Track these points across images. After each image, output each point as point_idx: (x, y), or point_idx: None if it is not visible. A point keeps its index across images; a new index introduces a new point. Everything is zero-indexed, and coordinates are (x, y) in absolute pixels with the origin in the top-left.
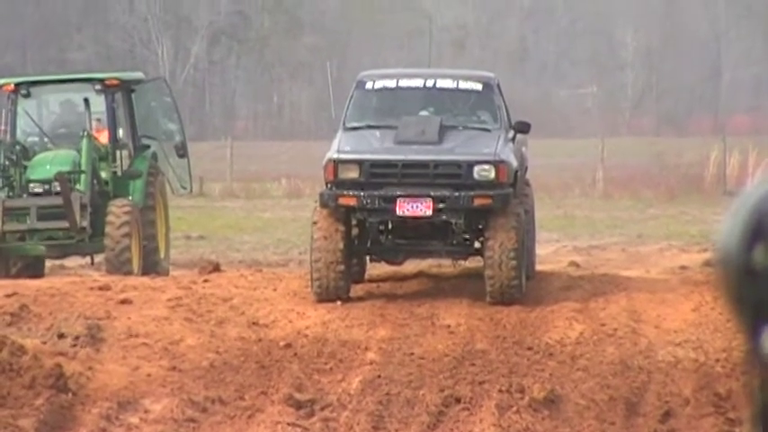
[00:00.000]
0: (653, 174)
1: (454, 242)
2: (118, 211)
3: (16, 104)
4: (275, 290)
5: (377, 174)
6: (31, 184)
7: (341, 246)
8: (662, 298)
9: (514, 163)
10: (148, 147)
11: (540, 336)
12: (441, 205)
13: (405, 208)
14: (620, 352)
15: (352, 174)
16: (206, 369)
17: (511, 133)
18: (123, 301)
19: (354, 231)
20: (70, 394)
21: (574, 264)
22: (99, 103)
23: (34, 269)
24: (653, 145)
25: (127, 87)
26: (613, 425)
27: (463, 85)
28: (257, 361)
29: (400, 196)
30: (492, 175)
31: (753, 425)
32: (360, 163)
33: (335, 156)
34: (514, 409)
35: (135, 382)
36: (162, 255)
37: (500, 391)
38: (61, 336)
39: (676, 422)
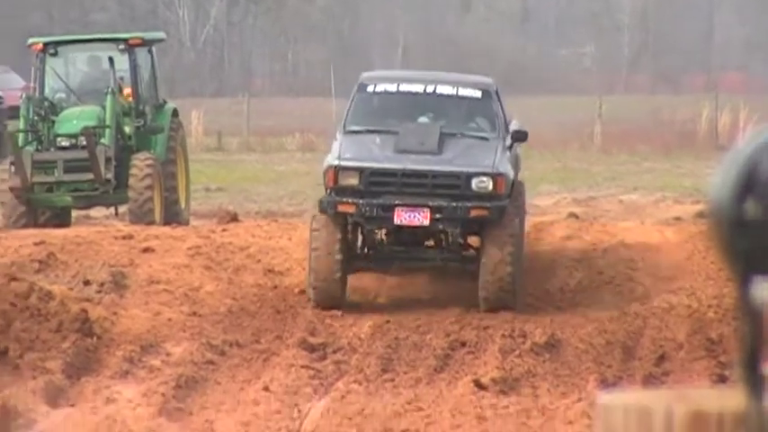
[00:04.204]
0: (648, 129)
1: (449, 251)
2: (141, 164)
3: (44, 63)
4: (290, 239)
5: (376, 182)
6: (59, 139)
7: (339, 257)
8: (657, 247)
9: (512, 174)
10: (167, 103)
11: (542, 284)
12: (438, 215)
13: (403, 217)
14: (617, 299)
15: (352, 181)
16: (224, 314)
17: (509, 141)
18: (146, 250)
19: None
20: (95, 338)
21: (573, 215)
22: (123, 62)
23: (61, 219)
24: (648, 102)
25: (149, 46)
26: (610, 367)
27: (463, 91)
28: (273, 306)
29: (399, 205)
30: (490, 187)
31: (742, 367)
32: (360, 171)
33: (336, 162)
34: (517, 352)
35: (157, 326)
36: (182, 205)
37: (503, 335)
38: (87, 282)
39: (671, 365)
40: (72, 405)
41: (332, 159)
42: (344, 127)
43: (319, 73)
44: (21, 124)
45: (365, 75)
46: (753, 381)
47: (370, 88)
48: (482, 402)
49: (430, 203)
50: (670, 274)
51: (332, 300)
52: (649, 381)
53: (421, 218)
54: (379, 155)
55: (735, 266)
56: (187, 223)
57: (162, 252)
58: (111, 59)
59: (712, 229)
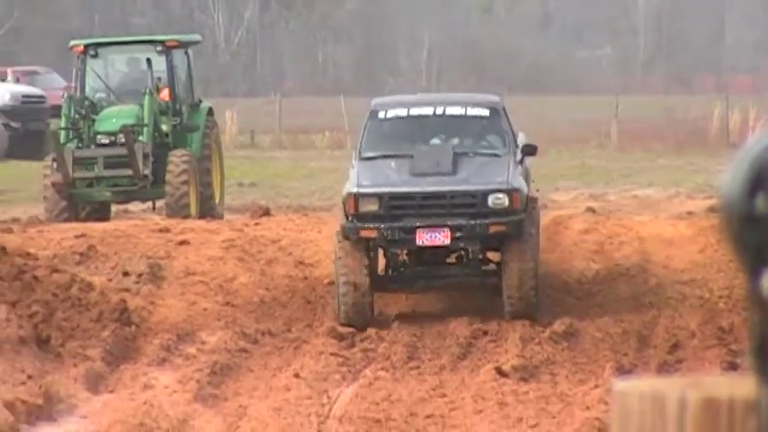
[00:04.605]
0: (662, 128)
1: (470, 267)
2: (177, 160)
3: (85, 64)
4: (320, 232)
5: (396, 206)
6: (99, 136)
7: (366, 281)
8: (670, 240)
9: (525, 189)
10: (203, 102)
11: (560, 275)
12: (458, 234)
13: (424, 238)
14: (632, 290)
15: (373, 206)
16: (257, 304)
17: (519, 156)
18: (182, 243)
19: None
20: (133, 327)
21: (590, 209)
22: (160, 63)
23: (101, 213)
24: (662, 102)
25: (185, 48)
26: (626, 355)
27: (471, 111)
28: (303, 297)
29: (419, 227)
30: (506, 203)
31: (752, 356)
32: (380, 196)
33: (356, 190)
34: (536, 341)
35: (192, 315)
36: (217, 200)
37: (523, 325)
38: (125, 273)
39: (683, 353)
40: (111, 391)
41: (351, 187)
42: (360, 154)
43: (348, 73)
44: (62, 122)
45: (375, 101)
46: (763, 368)
47: (381, 114)
48: (503, 389)
49: (449, 223)
50: (683, 266)
51: (362, 321)
52: (663, 368)
53: (442, 238)
54: (396, 179)
55: (745, 259)
56: (221, 217)
57: (197, 245)
58: (148, 61)
59: (723, 224)
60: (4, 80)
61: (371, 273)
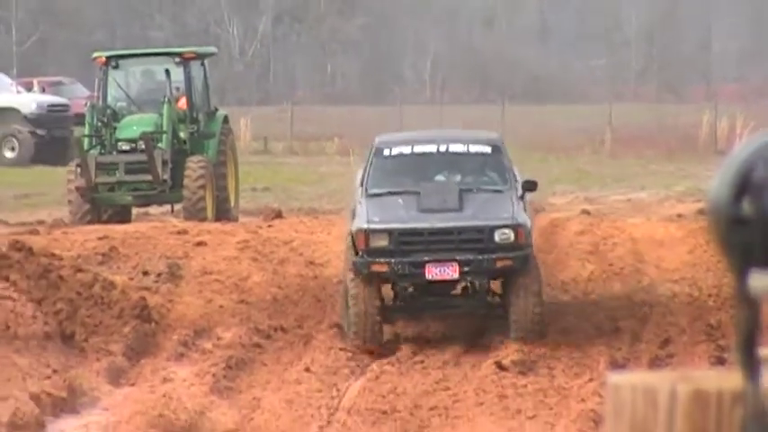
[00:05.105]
0: (654, 135)
1: (476, 299)
2: (194, 166)
3: (107, 74)
4: (329, 234)
5: (405, 241)
6: (120, 143)
7: (377, 312)
8: (661, 242)
9: (529, 223)
10: (219, 110)
11: (557, 274)
12: (466, 268)
13: (433, 272)
14: (625, 288)
15: (383, 242)
16: (269, 302)
17: (520, 192)
18: (199, 244)
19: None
20: (153, 323)
21: (585, 212)
22: (178, 74)
23: (122, 216)
24: (654, 110)
25: (202, 60)
26: (620, 350)
27: (473, 148)
28: (313, 295)
29: (428, 261)
30: (512, 238)
31: (739, 351)
32: (390, 232)
33: (366, 226)
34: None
35: (209, 312)
36: (232, 203)
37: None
38: (145, 273)
39: (674, 348)
40: (132, 384)
41: (361, 223)
42: (366, 191)
43: (355, 83)
44: (86, 130)
45: (379, 139)
46: (749, 363)
47: (386, 152)
48: (503, 382)
49: (458, 258)
50: (673, 266)
51: (372, 343)
52: (655, 362)
53: (450, 272)
54: (404, 216)
55: (732, 259)
56: (236, 219)
57: (213, 245)
58: (167, 71)
59: (712, 226)
60: (30, 90)
61: (382, 305)
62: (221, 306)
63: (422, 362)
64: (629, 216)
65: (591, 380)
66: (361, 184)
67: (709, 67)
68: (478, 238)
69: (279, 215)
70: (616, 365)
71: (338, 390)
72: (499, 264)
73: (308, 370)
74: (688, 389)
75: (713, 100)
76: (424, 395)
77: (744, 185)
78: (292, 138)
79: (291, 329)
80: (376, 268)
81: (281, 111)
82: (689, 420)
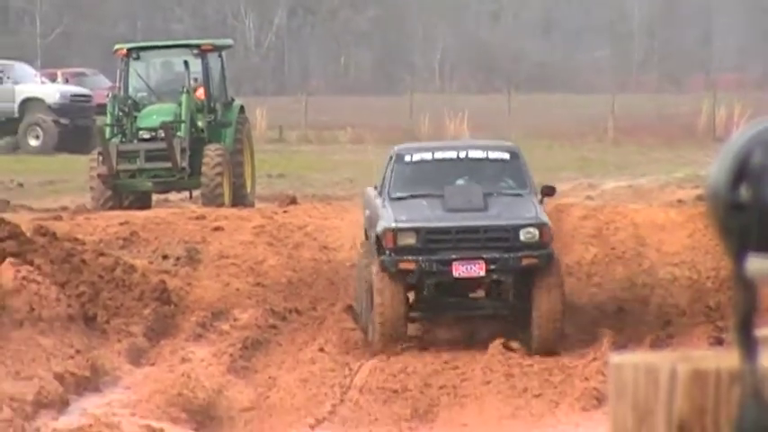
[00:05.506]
0: (655, 123)
1: (499, 300)
2: (212, 154)
3: (128, 66)
4: (342, 219)
5: (433, 239)
6: (141, 132)
7: (402, 310)
8: (662, 226)
9: (551, 225)
10: (235, 100)
11: (561, 258)
12: (492, 266)
13: (460, 270)
14: (627, 271)
15: (410, 240)
16: (285, 284)
17: (539, 196)
18: (216, 229)
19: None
20: (172, 305)
21: (589, 198)
22: (196, 65)
23: (143, 202)
24: (655, 100)
25: (219, 51)
26: (622, 331)
27: (493, 154)
28: (327, 278)
29: (456, 259)
30: (537, 236)
31: (736, 331)
32: (417, 230)
33: (394, 225)
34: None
35: (226, 295)
36: (248, 190)
37: None
38: (165, 257)
39: (674, 329)
40: (152, 364)
41: (388, 222)
42: (389, 194)
43: (368, 73)
44: (107, 119)
45: (399, 147)
46: (746, 343)
47: (407, 158)
48: (510, 362)
49: (484, 256)
50: (674, 249)
51: (396, 341)
52: (656, 343)
53: (477, 269)
54: (431, 215)
55: (730, 243)
56: (252, 205)
57: (230, 230)
58: (186, 63)
59: (710, 211)
60: (54, 81)
61: (407, 302)
62: (238, 289)
63: (431, 343)
64: (631, 202)
65: (594, 359)
66: (380, 192)
67: (710, 58)
68: (504, 237)
69: (293, 201)
70: (618, 346)
71: (351, 369)
72: (525, 262)
73: (321, 350)
74: (688, 368)
75: (712, 90)
76: (433, 374)
77: (741, 171)
78: (306, 127)
79: (306, 311)
80: (404, 266)
81: (296, 101)
82: (688, 398)
